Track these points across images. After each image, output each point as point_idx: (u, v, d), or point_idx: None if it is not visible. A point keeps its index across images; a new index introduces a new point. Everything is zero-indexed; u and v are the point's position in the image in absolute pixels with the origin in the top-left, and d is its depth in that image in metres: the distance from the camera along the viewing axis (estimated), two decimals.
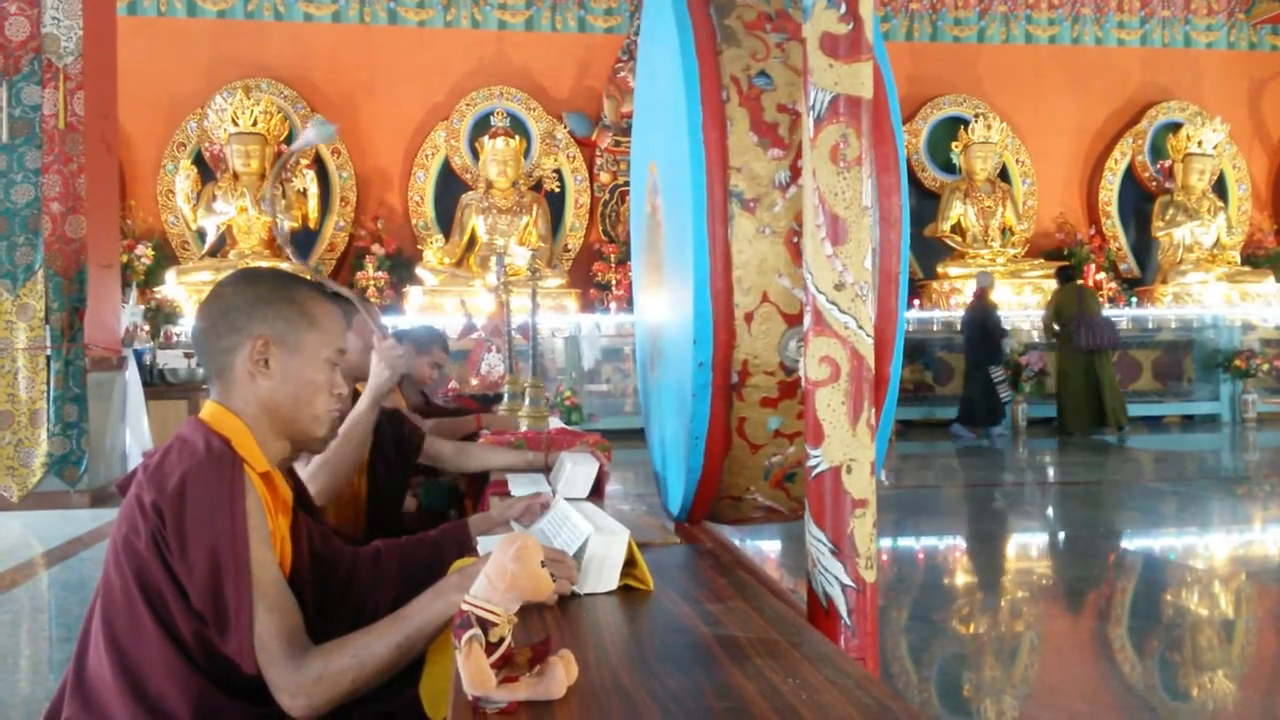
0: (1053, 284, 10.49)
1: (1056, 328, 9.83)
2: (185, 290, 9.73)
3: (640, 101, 2.54)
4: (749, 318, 1.70)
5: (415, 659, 1.38)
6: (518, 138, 10.81)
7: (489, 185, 10.77)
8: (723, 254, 1.69)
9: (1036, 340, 10.51)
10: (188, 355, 7.66)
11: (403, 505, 2.82)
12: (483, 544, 1.77)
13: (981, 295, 9.85)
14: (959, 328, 10.14)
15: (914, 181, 11.75)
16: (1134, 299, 11.62)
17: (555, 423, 3.42)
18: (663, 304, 2.11)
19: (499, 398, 4.19)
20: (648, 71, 2.36)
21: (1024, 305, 10.88)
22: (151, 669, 1.37)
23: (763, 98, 1.72)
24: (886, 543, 5.13)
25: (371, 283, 10.24)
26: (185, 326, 9.09)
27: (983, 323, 9.68)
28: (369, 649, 1.34)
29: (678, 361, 1.92)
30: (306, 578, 1.55)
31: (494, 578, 1.09)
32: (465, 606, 1.06)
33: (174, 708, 1.36)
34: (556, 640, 1.12)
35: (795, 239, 1.69)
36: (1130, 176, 12.23)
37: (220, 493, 1.36)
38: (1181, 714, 2.88)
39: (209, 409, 1.50)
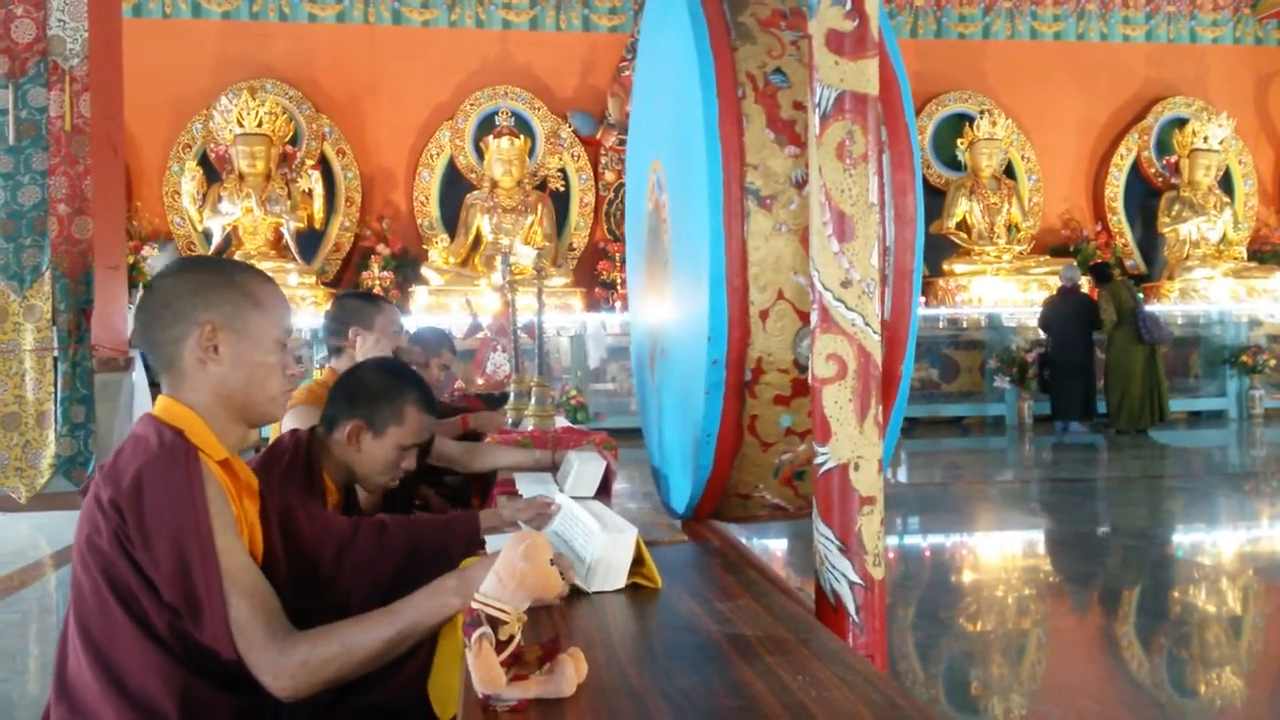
0: (1056, 281, 10.44)
1: (1116, 323, 9.65)
2: None
3: (640, 99, 2.54)
4: (764, 315, 1.69)
5: (403, 654, 1.38)
6: (522, 137, 10.80)
7: (494, 184, 10.77)
8: (739, 251, 1.68)
9: (1043, 337, 10.42)
10: None
11: (412, 507, 2.83)
12: (491, 542, 1.77)
13: (1075, 289, 9.82)
14: (1040, 324, 9.97)
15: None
16: (1140, 295, 11.58)
17: (561, 421, 3.42)
18: (667, 302, 2.10)
19: (505, 397, 4.19)
20: (649, 69, 2.35)
21: (1029, 303, 10.83)
22: (131, 667, 1.36)
23: (778, 95, 1.72)
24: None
25: (377, 283, 10.24)
26: None
27: (1088, 316, 9.66)
28: (357, 639, 1.34)
29: (684, 359, 1.91)
30: (281, 561, 1.54)
31: (504, 576, 1.10)
32: (475, 604, 1.06)
33: (159, 703, 1.35)
34: (566, 638, 1.12)
35: None
36: (1136, 172, 12.19)
37: (177, 483, 1.36)
38: (1189, 710, 2.88)
39: (160, 403, 1.50)
